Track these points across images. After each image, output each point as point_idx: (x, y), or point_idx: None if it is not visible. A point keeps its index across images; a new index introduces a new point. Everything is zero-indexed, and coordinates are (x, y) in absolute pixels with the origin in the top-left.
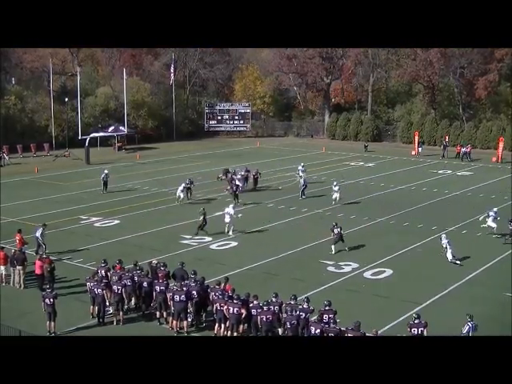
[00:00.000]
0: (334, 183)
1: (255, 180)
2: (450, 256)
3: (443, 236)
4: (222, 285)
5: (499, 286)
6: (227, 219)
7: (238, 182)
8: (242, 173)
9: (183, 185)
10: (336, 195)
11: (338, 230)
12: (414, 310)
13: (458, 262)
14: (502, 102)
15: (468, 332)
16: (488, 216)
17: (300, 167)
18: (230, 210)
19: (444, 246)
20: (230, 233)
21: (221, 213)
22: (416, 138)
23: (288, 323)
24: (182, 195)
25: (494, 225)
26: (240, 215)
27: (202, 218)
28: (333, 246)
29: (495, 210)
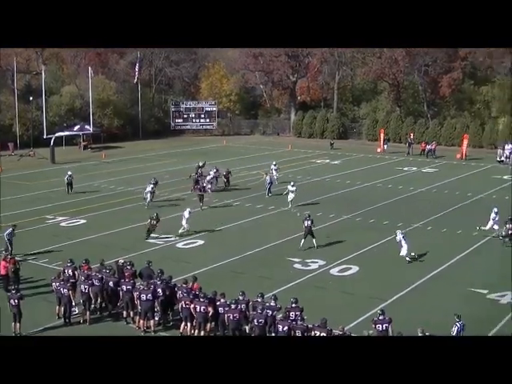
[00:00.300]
0: (291, 183)
1: (227, 180)
2: (403, 252)
3: (398, 232)
4: (190, 284)
5: (464, 282)
6: (183, 221)
7: (205, 184)
8: (212, 173)
9: (151, 186)
10: (291, 196)
11: (309, 222)
12: (380, 307)
13: (407, 258)
14: (466, 100)
15: (457, 333)
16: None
17: (273, 166)
18: (186, 213)
19: (398, 241)
20: (180, 230)
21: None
22: (381, 135)
23: (255, 321)
24: (148, 197)
25: (496, 227)
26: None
27: (152, 222)
28: (302, 241)
29: (495, 210)
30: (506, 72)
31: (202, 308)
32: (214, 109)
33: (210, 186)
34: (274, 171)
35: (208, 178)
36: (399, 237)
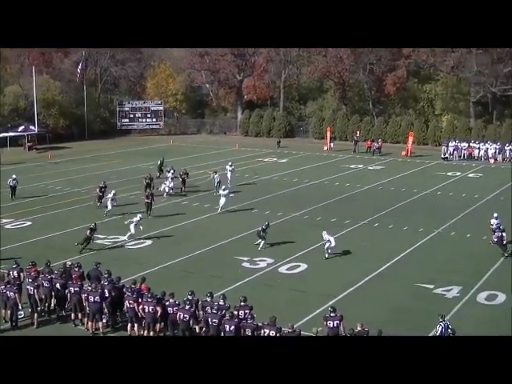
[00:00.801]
0: (223, 187)
1: (183, 181)
2: (328, 251)
3: (324, 232)
4: (138, 284)
5: (411, 277)
6: (132, 226)
7: (167, 187)
8: (170, 174)
9: (111, 195)
10: (222, 201)
11: (263, 227)
12: (330, 303)
13: (326, 255)
14: (410, 98)
15: (441, 333)
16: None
17: (228, 166)
18: (135, 218)
19: (325, 240)
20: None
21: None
22: (328, 133)
23: (210, 320)
24: (109, 205)
25: (498, 234)
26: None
27: (88, 232)
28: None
29: (495, 215)
30: (449, 70)
31: (151, 308)
32: (161, 108)
33: (169, 188)
34: (228, 172)
35: (167, 183)
36: (326, 237)
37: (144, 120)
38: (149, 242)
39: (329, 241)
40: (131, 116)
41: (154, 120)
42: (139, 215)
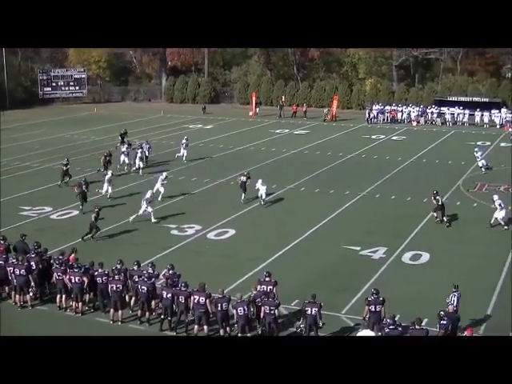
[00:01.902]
0: (164, 174)
1: (106, 163)
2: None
3: (259, 181)
4: (66, 255)
5: (338, 240)
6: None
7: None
8: (124, 148)
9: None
10: (161, 190)
11: (243, 178)
12: (259, 268)
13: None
14: (334, 62)
15: (454, 302)
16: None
17: (184, 140)
18: (148, 194)
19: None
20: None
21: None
22: (253, 98)
23: (139, 287)
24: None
25: (502, 214)
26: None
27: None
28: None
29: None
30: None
31: (77, 278)
32: (83, 76)
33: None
34: (183, 146)
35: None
36: (257, 185)
37: (67, 88)
38: (75, 212)
39: (258, 189)
40: (54, 84)
41: (77, 88)
42: (150, 191)
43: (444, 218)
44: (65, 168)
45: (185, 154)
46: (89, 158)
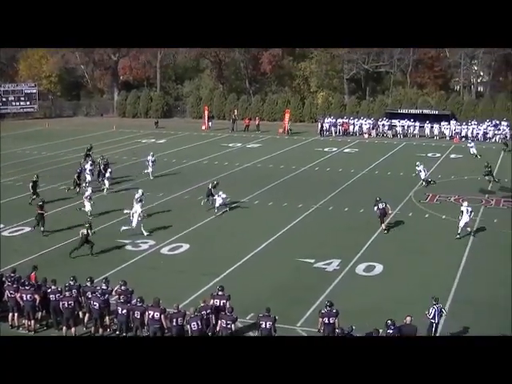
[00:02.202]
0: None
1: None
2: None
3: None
4: (27, 273)
5: (292, 253)
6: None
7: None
8: (89, 166)
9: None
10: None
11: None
12: (213, 282)
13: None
14: (286, 76)
15: (434, 316)
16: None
17: (150, 157)
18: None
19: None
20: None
21: None
22: (206, 112)
23: (91, 303)
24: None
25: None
26: None
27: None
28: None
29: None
30: (322, 48)
31: (29, 296)
32: (34, 91)
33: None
34: (150, 163)
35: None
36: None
37: (17, 103)
38: (27, 228)
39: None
40: (4, 100)
41: (28, 103)
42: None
43: (383, 226)
44: (32, 184)
45: (151, 171)
46: (42, 174)
